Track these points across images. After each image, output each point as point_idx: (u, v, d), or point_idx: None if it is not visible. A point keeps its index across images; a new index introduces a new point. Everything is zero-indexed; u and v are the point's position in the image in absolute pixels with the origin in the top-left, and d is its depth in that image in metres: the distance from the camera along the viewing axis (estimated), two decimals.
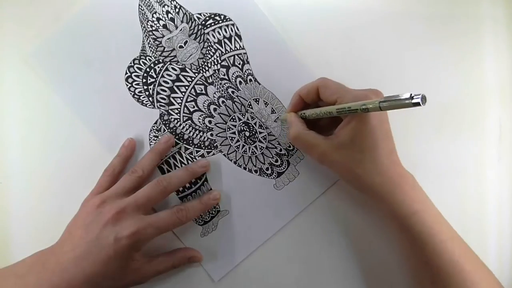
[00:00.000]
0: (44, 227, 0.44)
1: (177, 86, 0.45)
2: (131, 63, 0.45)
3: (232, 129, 0.45)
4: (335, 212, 0.45)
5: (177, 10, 0.44)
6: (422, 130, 0.46)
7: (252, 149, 0.45)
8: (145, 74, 0.45)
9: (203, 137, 0.45)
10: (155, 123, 0.45)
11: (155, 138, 0.45)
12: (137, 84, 0.45)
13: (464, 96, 0.46)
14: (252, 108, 0.45)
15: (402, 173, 0.39)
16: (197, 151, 0.45)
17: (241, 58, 0.45)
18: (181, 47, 0.45)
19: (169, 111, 0.45)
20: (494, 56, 0.46)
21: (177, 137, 0.45)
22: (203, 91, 0.45)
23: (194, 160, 0.45)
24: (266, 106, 0.45)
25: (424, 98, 0.28)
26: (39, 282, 0.37)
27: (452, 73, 0.46)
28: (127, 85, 0.45)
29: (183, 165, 0.45)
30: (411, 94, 0.29)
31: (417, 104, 0.28)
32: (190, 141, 0.45)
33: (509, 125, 0.47)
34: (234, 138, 0.45)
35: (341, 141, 0.38)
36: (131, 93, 0.45)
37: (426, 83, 0.46)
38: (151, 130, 0.45)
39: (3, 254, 0.45)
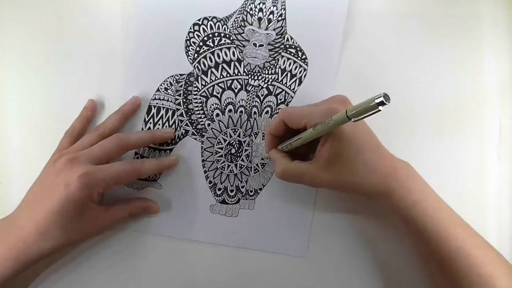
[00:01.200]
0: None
1: (222, 67, 0.45)
2: (209, 17, 0.45)
3: (227, 136, 0.45)
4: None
5: (280, 18, 0.45)
6: (422, 130, 0.46)
7: (225, 164, 0.45)
8: (210, 35, 0.45)
9: (201, 120, 0.45)
10: (181, 74, 0.45)
11: (169, 85, 0.45)
12: (198, 36, 0.45)
13: (464, 96, 0.46)
14: (256, 138, 0.45)
15: (394, 164, 0.39)
16: (186, 125, 0.45)
17: (285, 97, 0.45)
18: (254, 45, 0.45)
19: (199, 77, 0.45)
20: (494, 56, 0.46)
21: (184, 100, 0.45)
22: (236, 90, 0.45)
23: (179, 128, 0.45)
24: (264, 157, 0.46)
25: (386, 97, 0.28)
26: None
27: (452, 73, 0.46)
28: (190, 29, 0.45)
29: (168, 123, 0.45)
30: (373, 98, 0.28)
31: (382, 103, 0.28)
32: (189, 113, 0.45)
33: (509, 125, 0.46)
34: (221, 144, 0.45)
35: (326, 160, 0.37)
36: (187, 37, 0.45)
37: (426, 83, 0.46)
38: (172, 76, 0.45)
39: None
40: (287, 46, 0.45)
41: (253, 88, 0.45)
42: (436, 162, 0.46)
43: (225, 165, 0.45)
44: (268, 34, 0.45)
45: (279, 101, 0.45)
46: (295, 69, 0.45)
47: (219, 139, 0.45)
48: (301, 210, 0.45)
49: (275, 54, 0.45)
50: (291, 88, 0.45)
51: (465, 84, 0.46)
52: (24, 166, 0.45)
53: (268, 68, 0.45)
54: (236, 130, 0.45)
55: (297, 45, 0.45)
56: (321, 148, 0.38)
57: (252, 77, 0.45)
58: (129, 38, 0.45)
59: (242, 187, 0.46)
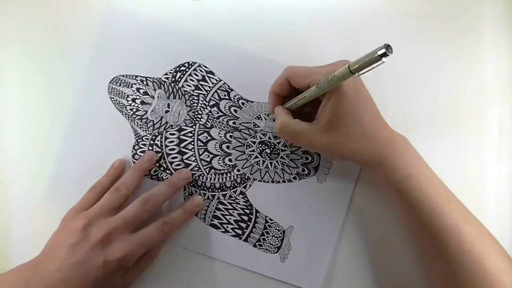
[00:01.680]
0: (44, 227, 0.43)
1: (184, 147, 0.45)
2: (132, 151, 0.45)
3: (253, 154, 0.45)
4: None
5: (144, 82, 0.45)
6: (422, 130, 0.46)
7: (280, 160, 0.46)
8: (150, 148, 0.45)
9: (232, 177, 0.45)
10: (184, 189, 0.45)
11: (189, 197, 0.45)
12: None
13: (464, 96, 0.46)
14: (258, 126, 0.45)
15: (392, 135, 0.39)
16: (234, 192, 0.45)
17: (224, 89, 0.45)
18: (167, 111, 0.45)
19: (190, 172, 0.45)
20: (494, 56, 0.46)
21: (210, 190, 0.45)
22: (209, 137, 0.45)
23: (238, 203, 0.45)
24: (268, 117, 0.46)
25: (389, 48, 0.28)
26: None
27: (452, 73, 0.46)
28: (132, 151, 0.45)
29: (230, 211, 0.45)
30: (375, 50, 0.28)
31: (384, 55, 0.28)
32: (224, 186, 0.45)
33: (509, 125, 0.46)
34: (259, 161, 0.45)
35: (325, 123, 0.37)
36: (148, 177, 0.45)
37: (426, 83, 0.46)
38: (184, 199, 0.45)
39: (3, 254, 0.45)
40: (173, 79, 0.45)
41: (209, 120, 0.45)
42: (436, 161, 0.45)
43: (280, 160, 0.45)
44: (158, 96, 0.45)
45: (228, 95, 0.45)
46: (196, 75, 0.45)
47: (255, 162, 0.45)
48: (323, 243, 0.45)
49: (179, 92, 0.45)
50: (216, 81, 0.45)
51: (465, 83, 0.46)
52: (24, 166, 0.45)
53: (192, 102, 0.45)
54: (249, 144, 0.45)
55: (173, 70, 0.45)
56: (321, 111, 0.38)
57: (198, 119, 0.45)
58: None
59: (306, 159, 0.46)
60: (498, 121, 0.46)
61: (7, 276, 0.39)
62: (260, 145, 0.45)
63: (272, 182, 0.45)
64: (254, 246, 0.45)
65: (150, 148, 0.45)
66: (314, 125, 0.38)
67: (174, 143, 0.45)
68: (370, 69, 0.30)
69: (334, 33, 0.46)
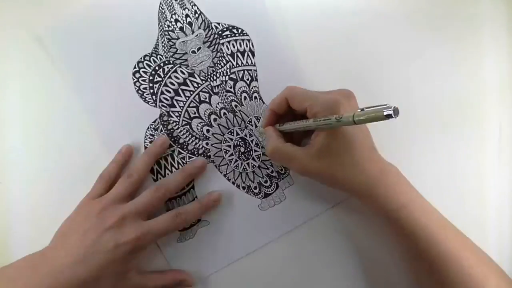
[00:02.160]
0: (44, 227, 0.43)
1: (182, 90, 0.45)
2: (141, 58, 0.45)
3: (228, 142, 0.45)
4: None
5: (196, 15, 0.44)
6: (422, 130, 0.46)
7: (244, 165, 0.45)
8: (153, 72, 0.45)
9: (198, 145, 0.45)
10: (154, 122, 0.45)
11: (151, 137, 0.45)
12: (143, 80, 0.45)
13: (464, 96, 0.46)
14: (252, 125, 0.45)
15: (384, 168, 0.38)
16: (189, 157, 0.45)
17: (250, 74, 0.45)
18: (193, 52, 0.45)
19: (170, 112, 0.45)
20: (494, 56, 0.46)
21: (172, 139, 0.45)
22: (207, 100, 0.45)
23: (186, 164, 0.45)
24: (256, 128, 0.45)
25: (396, 111, 0.28)
26: (30, 287, 0.37)
27: (452, 73, 0.46)
28: (133, 79, 0.44)
29: (173, 168, 0.45)
30: (382, 109, 0.29)
31: (390, 116, 0.28)
32: (185, 146, 0.45)
33: (509, 125, 0.46)
34: (229, 151, 0.45)
35: (318, 149, 0.37)
36: (135, 88, 0.45)
37: (426, 83, 0.46)
38: (148, 128, 0.45)
39: (3, 254, 0.44)
40: (220, 32, 0.45)
41: (219, 87, 0.45)
42: (436, 161, 0.45)
43: (244, 165, 0.45)
44: (197, 35, 0.45)
45: (248, 82, 0.45)
46: (240, 46, 0.45)
47: (224, 149, 0.45)
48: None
49: (216, 46, 0.45)
50: (250, 63, 0.45)
51: (465, 84, 0.46)
52: (24, 166, 0.45)
53: (218, 62, 0.45)
54: (232, 131, 0.45)
55: (226, 25, 0.45)
56: (316, 137, 0.38)
57: (212, 79, 0.45)
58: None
59: (272, 172, 0.45)
60: (498, 121, 0.46)
61: (16, 264, 0.39)
62: (239, 140, 0.45)
63: (224, 176, 0.45)
64: (167, 210, 0.45)
65: (157, 68, 0.44)
66: (306, 150, 0.38)
67: (177, 80, 0.45)
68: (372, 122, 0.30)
69: (334, 34, 0.45)
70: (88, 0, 0.44)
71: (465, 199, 0.44)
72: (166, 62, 0.45)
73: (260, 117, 0.45)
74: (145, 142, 0.45)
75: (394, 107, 0.28)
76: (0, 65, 0.45)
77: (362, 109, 0.31)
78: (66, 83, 0.44)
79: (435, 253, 0.36)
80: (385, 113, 0.28)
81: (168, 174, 0.45)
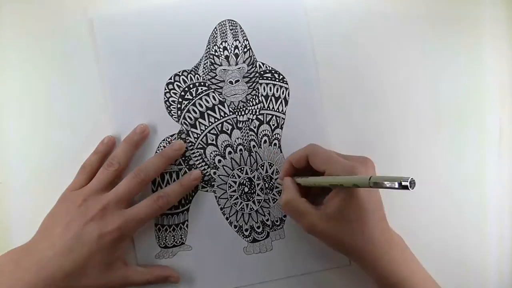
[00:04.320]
0: None
1: (208, 114, 0.45)
2: (179, 72, 0.45)
3: (235, 178, 0.45)
4: None
5: (245, 49, 0.45)
6: (422, 130, 0.46)
7: (243, 205, 0.45)
8: (186, 89, 0.45)
9: (206, 171, 0.45)
10: (171, 135, 0.45)
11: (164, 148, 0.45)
12: (174, 94, 0.45)
13: (464, 96, 0.46)
14: (263, 169, 0.45)
15: (390, 239, 0.39)
16: None
17: (277, 121, 0.45)
18: (231, 82, 0.45)
19: (189, 132, 0.45)
20: (494, 56, 0.46)
21: (183, 158, 0.45)
22: (228, 131, 0.45)
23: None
24: (276, 175, 0.45)
25: (412, 183, 0.29)
26: (12, 282, 0.36)
27: (452, 73, 0.46)
28: (165, 89, 0.45)
29: None
30: (400, 181, 0.29)
31: (406, 187, 0.29)
32: (192, 168, 0.45)
33: (509, 125, 0.46)
34: (233, 187, 0.45)
35: (330, 212, 0.38)
36: (165, 98, 0.45)
37: (426, 83, 0.46)
38: (164, 140, 0.45)
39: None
40: (262, 72, 0.45)
41: (243, 123, 0.45)
42: (437, 161, 0.46)
43: (243, 205, 0.45)
44: (240, 68, 0.45)
45: (273, 127, 0.45)
46: (277, 91, 0.45)
47: (229, 183, 0.45)
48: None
49: (254, 84, 0.45)
50: (280, 111, 0.45)
51: (465, 84, 0.47)
52: (24, 166, 0.45)
53: (251, 99, 0.45)
54: (242, 169, 0.45)
55: (270, 68, 0.45)
56: (330, 200, 0.38)
57: (240, 114, 0.45)
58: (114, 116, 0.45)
59: (267, 220, 0.46)
60: (498, 121, 0.46)
61: None
62: (247, 179, 0.45)
63: (221, 209, 0.45)
64: (155, 225, 0.45)
65: (191, 86, 0.45)
66: (318, 211, 0.38)
67: (207, 104, 0.45)
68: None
69: (334, 35, 0.46)
70: (149, 1, 0.45)
71: (465, 199, 0.44)
72: (202, 83, 0.45)
73: (273, 164, 0.45)
74: (156, 152, 0.45)
75: (411, 178, 0.29)
76: (0, 65, 0.45)
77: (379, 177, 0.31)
78: (67, 83, 0.45)
79: None
80: (403, 184, 0.29)
81: None
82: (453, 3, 0.47)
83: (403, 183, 0.29)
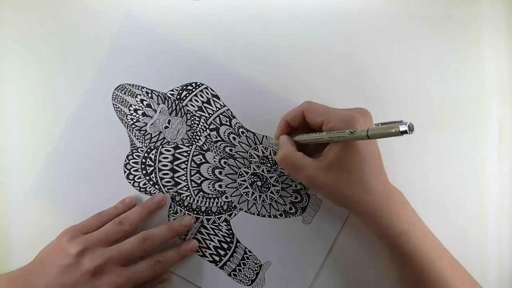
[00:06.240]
0: (44, 228, 0.44)
1: (177, 165, 0.45)
2: (125, 160, 0.45)
3: (244, 184, 0.45)
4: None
5: (149, 95, 0.45)
6: (422, 130, 0.46)
7: (269, 195, 0.46)
8: (142, 166, 0.45)
9: (219, 203, 0.45)
10: (170, 207, 0.45)
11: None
12: (139, 178, 0.45)
13: (464, 96, 0.46)
14: (254, 157, 0.45)
15: (390, 191, 0.39)
16: (218, 218, 0.45)
17: (226, 115, 0.45)
18: (166, 127, 0.45)
19: (178, 191, 0.45)
20: (494, 56, 0.47)
21: (195, 212, 0.45)
22: (203, 160, 0.45)
23: (220, 229, 0.45)
24: (266, 151, 0.45)
25: (411, 126, 0.28)
26: None
27: (452, 73, 0.47)
28: (129, 182, 0.45)
29: (211, 236, 0.45)
30: (397, 124, 0.29)
31: (405, 132, 0.28)
32: (209, 211, 0.45)
33: (509, 125, 0.47)
34: (249, 192, 0.45)
35: (329, 163, 0.37)
36: (136, 188, 0.45)
37: (426, 83, 0.46)
38: (168, 217, 0.45)
39: (3, 254, 0.45)
40: (178, 96, 0.45)
41: (206, 143, 0.45)
42: (437, 161, 0.46)
43: (269, 195, 0.45)
44: (161, 111, 0.45)
45: (229, 122, 0.45)
46: (201, 97, 0.45)
47: (245, 193, 0.45)
48: (298, 284, 0.45)
49: (181, 110, 0.45)
50: (220, 106, 0.45)
51: (465, 84, 0.46)
52: (24, 166, 0.45)
53: (193, 123, 0.45)
54: (241, 173, 0.45)
55: (180, 87, 0.45)
56: (328, 150, 0.38)
57: (196, 140, 0.45)
58: None
59: (296, 187, 0.46)
60: (498, 121, 0.47)
61: None
62: (252, 176, 0.45)
63: (258, 215, 0.45)
64: (229, 275, 0.45)
65: (144, 160, 0.45)
66: (317, 162, 0.38)
67: (168, 160, 0.45)
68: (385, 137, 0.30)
69: (333, 34, 0.46)
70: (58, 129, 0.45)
71: (465, 199, 0.45)
72: (149, 150, 0.45)
73: (257, 147, 0.45)
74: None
75: (410, 123, 0.28)
76: (0, 65, 0.45)
77: (377, 125, 0.31)
78: (68, 84, 0.45)
79: (430, 280, 0.37)
80: (400, 129, 0.28)
81: (210, 243, 0.45)
82: (453, 3, 0.47)
83: (401, 128, 0.28)
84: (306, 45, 0.46)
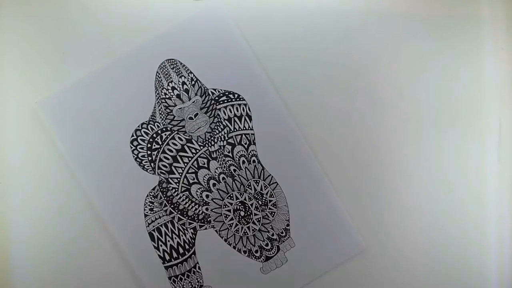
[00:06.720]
0: (43, 227, 0.44)
1: (180, 156, 0.45)
2: (139, 126, 0.45)
3: (228, 206, 0.45)
4: None
5: (193, 82, 0.45)
6: (422, 130, 0.46)
7: (245, 229, 0.45)
8: (150, 140, 0.45)
9: (198, 210, 0.45)
10: (153, 189, 0.45)
11: (151, 204, 0.45)
12: (141, 148, 0.45)
13: (464, 96, 0.47)
14: (251, 189, 0.45)
15: None
16: (189, 223, 0.45)
17: (248, 138, 0.45)
18: (191, 118, 0.45)
19: (169, 179, 0.45)
20: (494, 56, 0.47)
21: (172, 206, 0.45)
22: (205, 165, 0.45)
23: (185, 234, 0.45)
24: (265, 189, 0.45)
25: None
26: None
27: (452, 73, 0.47)
28: (131, 147, 0.45)
29: (174, 235, 0.45)
30: None
31: None
32: (185, 212, 0.45)
33: (509, 125, 0.47)
34: (229, 216, 0.45)
35: None
36: (134, 156, 0.45)
37: (426, 83, 0.46)
38: (147, 196, 0.45)
39: (3, 255, 0.44)
40: (217, 98, 0.45)
41: (217, 152, 0.45)
42: (437, 161, 0.46)
43: (245, 229, 0.45)
44: (194, 101, 0.45)
45: (246, 146, 0.45)
46: (237, 110, 0.45)
47: (224, 214, 0.45)
48: (330, 210, 0.45)
49: (213, 112, 0.45)
50: (247, 128, 0.45)
51: (465, 84, 0.47)
52: (24, 166, 0.45)
53: (216, 127, 0.45)
54: (232, 196, 0.45)
55: (223, 91, 0.45)
56: None
57: (210, 144, 0.45)
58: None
59: (272, 235, 0.46)
60: (498, 121, 0.46)
61: None
62: (239, 204, 0.45)
63: (225, 240, 0.45)
64: (169, 278, 0.45)
65: (154, 136, 0.45)
66: None
67: (176, 147, 0.45)
68: None
69: (333, 34, 0.46)
70: (82, 71, 0.44)
71: (465, 199, 0.45)
72: (164, 129, 0.45)
73: (259, 181, 0.45)
74: (144, 209, 0.45)
75: None
76: (1, 65, 0.45)
77: None
78: (68, 84, 0.45)
79: None
80: None
81: (168, 240, 0.45)
82: (453, 3, 0.47)
83: None
84: (306, 45, 0.46)
